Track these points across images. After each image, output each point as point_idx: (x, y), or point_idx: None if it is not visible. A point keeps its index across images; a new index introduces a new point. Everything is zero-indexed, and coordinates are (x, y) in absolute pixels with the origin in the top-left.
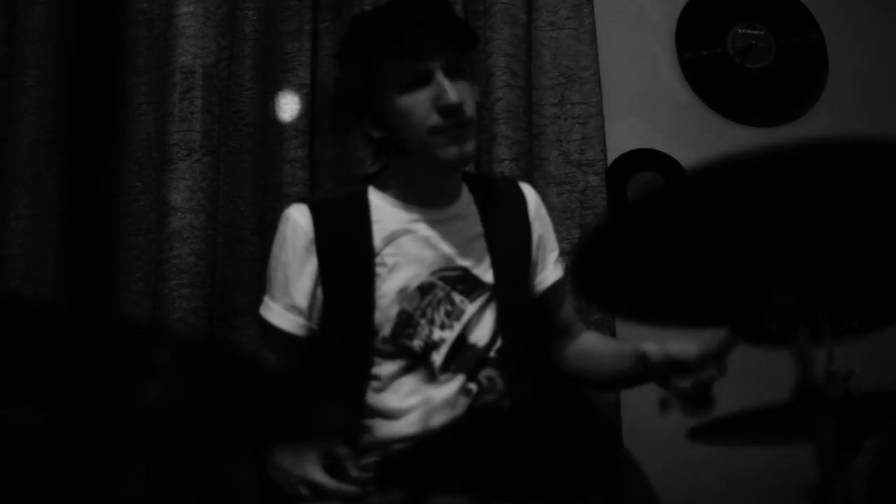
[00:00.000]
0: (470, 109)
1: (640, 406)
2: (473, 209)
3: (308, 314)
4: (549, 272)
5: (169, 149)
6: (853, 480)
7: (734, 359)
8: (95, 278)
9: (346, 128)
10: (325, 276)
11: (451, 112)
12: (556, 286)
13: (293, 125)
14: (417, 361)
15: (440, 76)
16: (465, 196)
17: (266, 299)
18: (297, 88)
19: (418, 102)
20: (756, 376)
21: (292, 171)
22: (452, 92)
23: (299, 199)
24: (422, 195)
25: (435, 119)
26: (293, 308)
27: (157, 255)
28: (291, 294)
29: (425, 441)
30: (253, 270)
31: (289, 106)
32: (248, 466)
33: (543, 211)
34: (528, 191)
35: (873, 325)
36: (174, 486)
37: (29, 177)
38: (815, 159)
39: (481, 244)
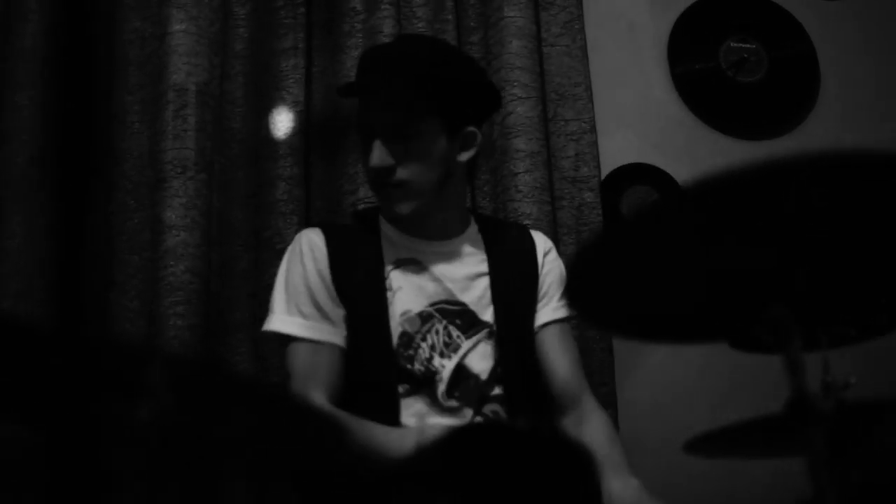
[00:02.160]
0: (405, 173)
1: (637, 420)
2: (480, 248)
3: (338, 324)
4: (548, 311)
5: (162, 166)
6: (850, 492)
7: (732, 369)
8: (88, 297)
9: (337, 145)
10: (342, 293)
11: (374, 174)
12: (552, 327)
13: (288, 142)
14: (420, 386)
15: (377, 139)
16: (473, 234)
17: (286, 318)
18: (292, 106)
19: (365, 154)
20: (754, 386)
21: (287, 188)
22: (374, 155)
23: (311, 225)
24: (418, 230)
25: (371, 178)
26: (324, 318)
27: (151, 273)
28: (320, 305)
29: (419, 458)
30: (247, 288)
31: (283, 123)
32: (244, 483)
33: (554, 257)
34: (539, 237)
35: (871, 333)
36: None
37: (22, 195)
38: (811, 172)
39: (484, 282)
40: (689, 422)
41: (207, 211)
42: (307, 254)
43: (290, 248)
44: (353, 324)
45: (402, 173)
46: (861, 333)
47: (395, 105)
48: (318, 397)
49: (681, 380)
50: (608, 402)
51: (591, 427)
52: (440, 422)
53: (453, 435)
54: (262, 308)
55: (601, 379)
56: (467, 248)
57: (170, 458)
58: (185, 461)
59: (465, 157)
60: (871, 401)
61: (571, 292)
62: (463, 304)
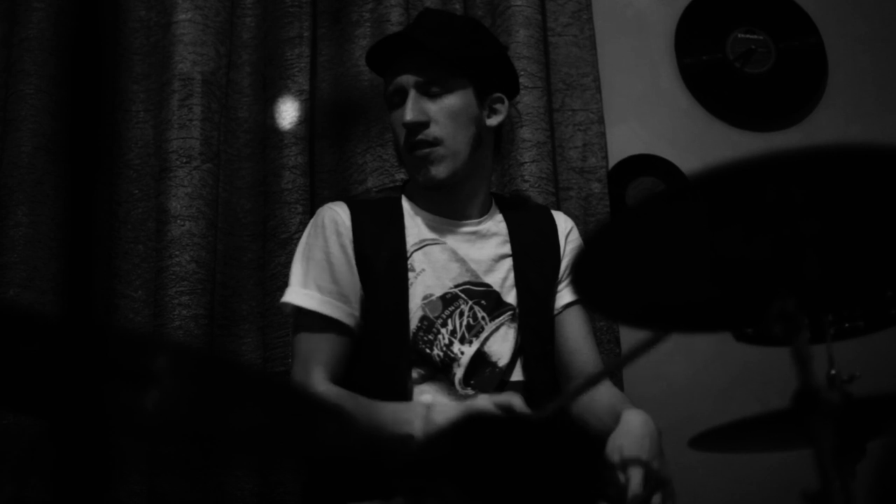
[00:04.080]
0: (439, 130)
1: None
2: (503, 229)
3: (354, 304)
4: (570, 292)
5: (168, 156)
6: (857, 486)
7: (740, 363)
8: (94, 286)
9: (345, 134)
10: (363, 271)
11: (408, 130)
12: (574, 309)
13: (293, 132)
14: (437, 372)
15: (411, 94)
16: (495, 215)
17: (301, 290)
18: (297, 95)
19: (396, 120)
20: (760, 380)
21: (292, 177)
22: (408, 110)
23: (336, 199)
24: (443, 208)
25: (403, 137)
26: (341, 296)
27: (156, 263)
28: (339, 281)
29: (425, 447)
30: (253, 278)
31: (288, 113)
32: (249, 474)
33: (576, 237)
34: (561, 218)
35: (879, 325)
36: (172, 493)
37: (28, 185)
38: (818, 164)
39: (507, 264)
40: (696, 414)
41: (213, 201)
42: (330, 227)
43: (311, 222)
44: (372, 305)
45: (435, 130)
46: (869, 325)
47: (428, 61)
48: (319, 377)
49: (687, 373)
50: None
51: (600, 394)
52: (446, 402)
53: (460, 424)
54: (269, 298)
55: None
56: (490, 229)
57: (174, 446)
58: (189, 450)
59: (493, 122)
60: (878, 394)
61: (578, 280)
62: (488, 286)
